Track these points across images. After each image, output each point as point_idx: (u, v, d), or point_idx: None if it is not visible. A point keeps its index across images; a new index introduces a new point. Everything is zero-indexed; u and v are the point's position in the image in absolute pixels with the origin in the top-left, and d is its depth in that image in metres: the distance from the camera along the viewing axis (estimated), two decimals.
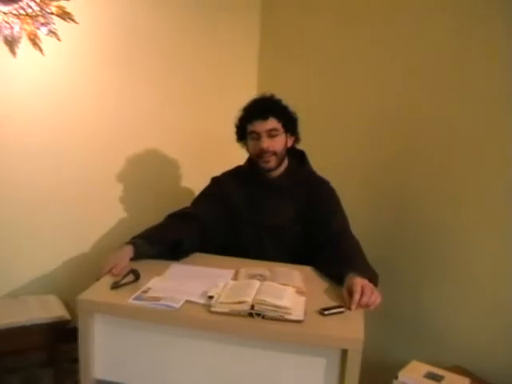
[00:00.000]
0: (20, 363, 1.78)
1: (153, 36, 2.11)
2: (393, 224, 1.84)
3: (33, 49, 1.82)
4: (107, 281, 1.28)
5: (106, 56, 2.00)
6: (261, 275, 1.34)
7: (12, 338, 1.64)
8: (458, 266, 1.59)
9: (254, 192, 1.64)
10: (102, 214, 2.11)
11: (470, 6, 1.51)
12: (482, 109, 1.49)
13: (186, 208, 1.65)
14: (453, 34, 1.58)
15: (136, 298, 1.18)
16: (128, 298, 1.18)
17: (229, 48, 2.33)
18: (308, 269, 1.47)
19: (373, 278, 1.30)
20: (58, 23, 1.84)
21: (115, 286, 1.24)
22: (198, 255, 1.55)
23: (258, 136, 1.57)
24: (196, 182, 2.03)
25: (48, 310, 1.75)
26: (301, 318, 1.11)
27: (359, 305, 1.19)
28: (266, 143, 1.55)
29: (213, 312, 1.13)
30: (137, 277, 1.29)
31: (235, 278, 1.35)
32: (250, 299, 1.13)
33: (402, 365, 1.39)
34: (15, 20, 1.75)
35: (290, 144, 1.65)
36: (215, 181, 1.72)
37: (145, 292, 1.22)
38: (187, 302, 1.18)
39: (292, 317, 1.11)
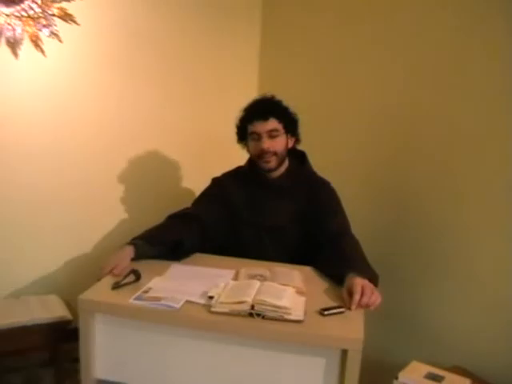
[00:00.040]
0: (21, 363, 1.79)
1: (154, 37, 2.11)
2: (394, 222, 1.84)
3: (35, 50, 1.83)
4: (108, 281, 1.29)
5: (108, 57, 2.01)
6: (261, 275, 1.34)
7: (14, 338, 1.65)
8: (458, 265, 1.59)
9: (255, 192, 1.65)
10: (103, 214, 2.12)
11: (471, 4, 1.52)
12: (483, 107, 1.49)
13: (187, 208, 1.66)
14: (453, 32, 1.58)
15: (137, 298, 1.19)
16: (129, 298, 1.18)
17: (229, 48, 2.34)
18: (308, 269, 1.47)
19: (373, 279, 1.30)
20: (60, 25, 1.85)
21: (116, 286, 1.25)
22: (198, 255, 1.55)
23: (258, 136, 1.58)
24: (196, 182, 2.03)
25: (49, 310, 1.76)
26: (301, 318, 1.12)
27: (359, 305, 1.19)
28: (267, 144, 1.56)
29: (213, 312, 1.13)
30: (137, 277, 1.30)
31: (235, 278, 1.36)
32: (250, 299, 1.13)
33: (402, 365, 1.39)
34: (17, 22, 1.76)
35: (290, 145, 1.65)
36: (216, 181, 1.72)
37: (145, 292, 1.22)
38: (187, 302, 1.18)
39: (292, 317, 1.11)
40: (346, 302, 1.21)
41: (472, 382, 1.35)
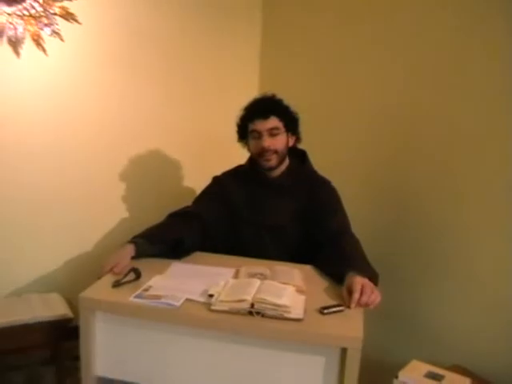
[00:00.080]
0: (23, 361, 1.80)
1: (155, 36, 2.12)
2: (394, 222, 1.84)
3: (36, 49, 1.83)
4: (109, 279, 1.29)
5: (109, 56, 2.02)
6: (261, 274, 1.34)
7: (15, 336, 1.66)
8: (458, 265, 1.59)
9: (255, 191, 1.65)
10: (104, 213, 2.13)
11: (471, 4, 1.52)
12: (483, 107, 1.49)
13: (187, 207, 1.66)
14: (453, 32, 1.58)
15: (137, 297, 1.19)
16: (129, 297, 1.19)
17: (230, 48, 2.34)
18: (308, 268, 1.47)
19: (373, 277, 1.30)
20: (62, 24, 1.86)
21: (116, 284, 1.25)
22: (198, 254, 1.55)
23: (259, 135, 1.58)
24: (197, 181, 2.04)
25: (51, 308, 1.77)
26: (300, 316, 1.12)
27: (359, 304, 1.19)
28: (267, 142, 1.56)
29: (213, 310, 1.14)
30: (138, 275, 1.30)
31: (236, 276, 1.36)
32: (249, 298, 1.14)
33: (402, 364, 1.39)
34: (19, 21, 1.77)
35: (291, 143, 1.65)
36: (216, 180, 1.73)
37: (146, 290, 1.22)
38: (188, 300, 1.18)
39: (291, 315, 1.11)
40: (345, 300, 1.21)
41: (472, 381, 1.35)
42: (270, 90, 1.67)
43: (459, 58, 1.56)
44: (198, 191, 1.78)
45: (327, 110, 2.12)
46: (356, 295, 1.19)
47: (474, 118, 1.52)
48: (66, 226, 2.04)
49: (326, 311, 1.16)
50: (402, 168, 1.81)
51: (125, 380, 1.23)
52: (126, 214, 2.18)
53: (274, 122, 1.57)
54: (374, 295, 1.21)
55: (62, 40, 1.87)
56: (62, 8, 1.85)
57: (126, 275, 1.29)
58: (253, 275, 1.32)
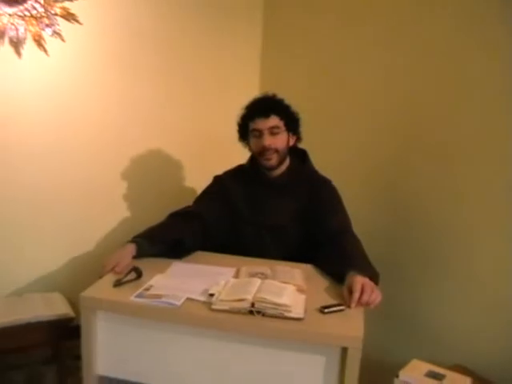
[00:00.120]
0: (24, 360, 1.80)
1: (156, 37, 2.12)
2: (394, 222, 1.85)
3: (37, 50, 1.84)
4: (110, 279, 1.30)
5: (110, 57, 2.02)
6: (262, 273, 1.34)
7: (17, 335, 1.66)
8: (459, 264, 1.59)
9: (256, 191, 1.65)
10: (105, 213, 2.13)
11: (471, 5, 1.52)
12: (484, 107, 1.49)
13: (188, 207, 1.67)
14: (454, 33, 1.58)
15: (138, 296, 1.20)
16: (130, 296, 1.19)
17: (231, 49, 2.34)
18: (309, 267, 1.48)
19: (374, 277, 1.30)
20: (63, 24, 1.87)
21: (117, 283, 1.26)
22: (199, 253, 1.56)
23: (259, 133, 1.58)
24: (198, 181, 2.04)
25: (52, 307, 1.77)
26: (301, 315, 1.12)
27: (359, 303, 1.19)
28: (268, 140, 1.56)
29: (213, 309, 1.14)
30: (139, 275, 1.30)
31: (236, 276, 1.36)
32: (250, 297, 1.14)
33: (402, 363, 1.39)
34: (20, 21, 1.78)
35: (291, 143, 1.66)
36: (217, 180, 1.73)
37: (147, 290, 1.23)
38: (188, 299, 1.19)
39: (292, 314, 1.11)
40: (346, 300, 1.21)
41: (473, 380, 1.35)
42: (270, 91, 1.68)
43: (459, 59, 1.56)
44: (199, 191, 1.78)
45: (328, 111, 2.12)
46: (356, 294, 1.19)
47: (474, 118, 1.52)
48: (67, 226, 2.04)
49: (326, 310, 1.16)
50: (402, 168, 1.81)
51: (126, 379, 1.24)
52: (126, 214, 2.19)
53: (274, 120, 1.57)
54: (374, 294, 1.21)
55: (63, 40, 1.88)
56: (63, 8, 1.86)
57: (127, 274, 1.30)
58: (253, 275, 1.33)
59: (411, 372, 1.35)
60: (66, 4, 1.86)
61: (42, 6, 1.81)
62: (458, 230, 1.59)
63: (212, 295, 1.19)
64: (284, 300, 1.13)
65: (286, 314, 1.11)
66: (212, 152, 2.32)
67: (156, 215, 1.62)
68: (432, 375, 1.34)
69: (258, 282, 1.24)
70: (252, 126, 1.60)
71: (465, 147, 1.56)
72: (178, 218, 1.59)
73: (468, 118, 1.54)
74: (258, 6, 2.39)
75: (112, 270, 1.33)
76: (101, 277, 1.32)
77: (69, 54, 1.92)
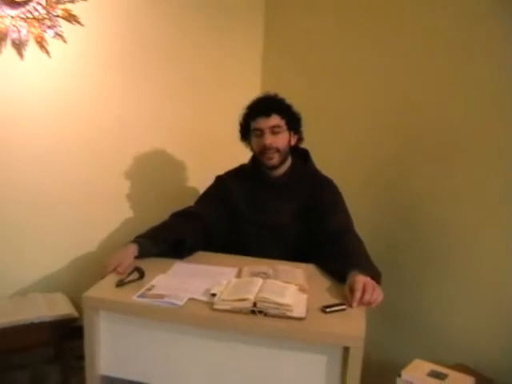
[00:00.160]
0: (28, 360, 1.81)
1: (157, 37, 2.13)
2: (394, 222, 1.85)
3: (40, 51, 1.85)
4: (112, 279, 1.30)
5: (112, 58, 2.03)
6: (264, 273, 1.34)
7: (21, 335, 1.67)
8: (459, 264, 1.59)
9: (257, 191, 1.65)
10: (107, 213, 2.14)
11: (471, 6, 1.52)
12: (483, 107, 1.49)
13: (190, 207, 1.67)
14: (454, 33, 1.58)
15: (140, 296, 1.20)
16: (132, 296, 1.20)
17: (233, 49, 2.35)
18: (311, 267, 1.48)
19: (375, 276, 1.30)
20: (64, 26, 1.87)
21: (120, 283, 1.26)
22: (201, 253, 1.56)
23: (261, 133, 1.59)
24: (199, 181, 2.05)
25: (56, 307, 1.78)
26: (303, 315, 1.12)
27: (361, 302, 1.19)
28: (269, 139, 1.57)
29: (215, 309, 1.14)
30: (141, 275, 1.31)
31: (238, 276, 1.36)
32: (252, 297, 1.14)
33: (405, 363, 1.39)
34: (22, 23, 1.79)
35: (293, 142, 1.66)
36: (219, 180, 1.73)
37: (149, 290, 1.23)
38: (190, 299, 1.19)
39: (294, 314, 1.12)
40: (347, 299, 1.21)
41: (475, 379, 1.35)
42: (271, 91, 1.68)
43: (459, 59, 1.56)
44: (201, 191, 1.79)
45: (328, 111, 2.12)
46: (358, 294, 1.19)
47: (474, 118, 1.52)
48: (69, 227, 2.05)
49: (328, 310, 1.16)
50: (402, 168, 1.81)
51: (128, 379, 1.24)
52: (129, 214, 2.20)
53: (275, 119, 1.58)
54: (376, 294, 1.21)
55: (64, 42, 1.89)
56: (65, 10, 1.86)
57: (129, 275, 1.30)
58: (255, 274, 1.33)
59: (413, 371, 1.35)
60: (68, 6, 1.86)
61: (44, 7, 1.81)
62: (458, 229, 1.59)
63: (214, 295, 1.19)
64: (286, 300, 1.14)
65: (288, 314, 1.11)
66: (214, 152, 2.33)
67: (158, 215, 1.63)
68: (434, 375, 1.34)
69: (259, 281, 1.24)
70: (253, 125, 1.61)
71: (465, 147, 1.56)
72: (180, 218, 1.60)
73: (468, 118, 1.54)
74: (259, 7, 2.39)
75: (114, 270, 1.34)
76: (103, 277, 1.33)
77: (71, 56, 1.92)
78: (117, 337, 1.24)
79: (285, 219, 1.60)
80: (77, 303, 1.81)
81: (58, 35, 1.87)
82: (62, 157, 1.99)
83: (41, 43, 1.84)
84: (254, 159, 1.70)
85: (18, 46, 1.80)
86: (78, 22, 1.90)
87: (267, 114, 1.57)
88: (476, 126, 1.52)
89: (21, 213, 1.93)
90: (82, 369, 1.27)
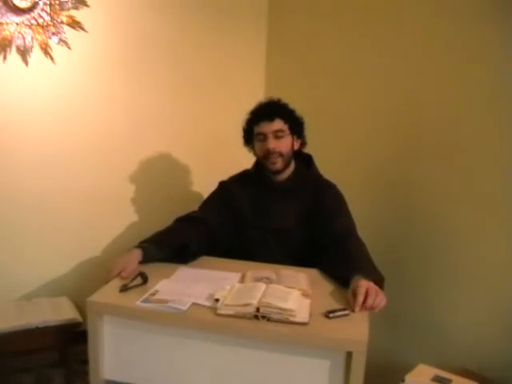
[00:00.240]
0: (32, 363, 1.82)
1: (161, 42, 2.14)
2: (394, 222, 1.85)
3: (44, 58, 1.87)
4: (116, 284, 1.31)
5: (115, 63, 2.05)
6: (267, 278, 1.35)
7: (26, 339, 1.68)
8: (466, 267, 1.58)
9: (261, 195, 1.66)
10: (111, 218, 2.15)
11: (471, 7, 1.52)
12: (484, 107, 1.50)
13: (194, 212, 1.68)
14: (453, 33, 1.59)
15: (144, 301, 1.20)
16: (136, 301, 1.20)
17: (237, 53, 2.36)
18: (314, 271, 1.48)
19: (378, 281, 1.30)
20: (69, 32, 1.89)
21: (124, 288, 1.27)
22: (205, 258, 1.57)
23: (264, 137, 1.59)
24: (204, 186, 2.05)
25: (60, 312, 1.79)
26: (306, 320, 1.12)
27: (364, 307, 1.19)
28: (273, 144, 1.57)
29: (219, 314, 1.14)
30: (145, 280, 1.31)
31: (242, 280, 1.36)
32: (255, 302, 1.14)
33: (408, 368, 1.39)
34: (27, 30, 1.81)
35: (296, 147, 1.66)
36: (222, 185, 1.74)
37: (152, 295, 1.24)
38: (194, 304, 1.19)
39: (297, 319, 1.12)
40: (350, 304, 1.21)
41: None
42: (275, 94, 1.69)
43: (459, 59, 1.57)
44: (205, 195, 1.79)
45: (330, 111, 2.13)
46: (360, 298, 1.19)
47: (474, 118, 1.53)
48: (74, 231, 2.06)
49: (331, 315, 1.16)
50: (402, 168, 1.81)
51: (132, 383, 1.25)
52: (133, 219, 2.21)
53: (279, 124, 1.58)
54: (378, 298, 1.21)
55: (69, 48, 1.91)
56: (69, 17, 1.88)
57: (133, 279, 1.31)
58: (259, 279, 1.33)
59: (417, 376, 1.35)
60: (72, 12, 1.88)
61: (49, 14, 1.83)
62: (458, 229, 1.59)
63: (217, 300, 1.19)
64: (289, 305, 1.14)
65: (291, 319, 1.11)
66: (218, 156, 2.33)
67: (162, 220, 1.63)
68: (438, 380, 1.34)
69: (263, 286, 1.24)
70: (257, 129, 1.61)
71: (465, 147, 1.56)
72: (184, 223, 1.60)
73: (468, 117, 1.55)
74: (262, 11, 2.40)
75: (118, 274, 1.35)
76: (107, 282, 1.34)
77: (75, 62, 1.94)
78: (121, 341, 1.24)
79: (288, 224, 1.61)
80: (81, 308, 1.82)
81: (63, 41, 1.89)
82: (67, 162, 2.00)
83: (45, 49, 1.86)
84: (257, 164, 1.70)
85: (23, 52, 1.82)
86: (82, 29, 1.92)
87: (270, 119, 1.58)
88: (476, 126, 1.52)
89: (26, 218, 1.95)
90: (86, 373, 1.28)
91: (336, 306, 1.21)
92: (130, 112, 2.12)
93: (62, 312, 1.79)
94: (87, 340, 1.23)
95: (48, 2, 1.82)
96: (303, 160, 1.71)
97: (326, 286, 1.37)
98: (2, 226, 1.91)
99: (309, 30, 2.23)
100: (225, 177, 1.76)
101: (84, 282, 1.95)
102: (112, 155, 2.10)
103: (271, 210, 1.63)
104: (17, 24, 1.78)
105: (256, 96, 2.09)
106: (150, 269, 1.37)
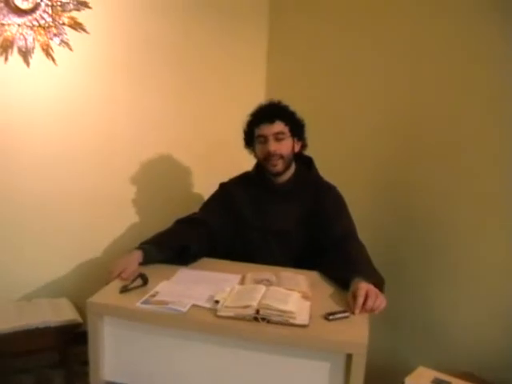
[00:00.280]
0: (32, 364, 1.82)
1: (162, 43, 2.14)
2: (394, 222, 1.85)
3: (46, 59, 1.87)
4: (116, 285, 1.31)
5: (117, 65, 2.05)
6: (267, 280, 1.35)
7: (26, 340, 1.68)
8: (463, 267, 1.59)
9: (261, 197, 1.66)
10: (112, 220, 2.15)
11: (471, 7, 1.52)
12: (484, 107, 1.50)
13: (194, 213, 1.68)
14: (453, 33, 1.59)
15: (144, 302, 1.21)
16: (136, 302, 1.20)
17: (238, 54, 2.36)
18: (314, 274, 1.48)
19: (378, 283, 1.30)
20: (70, 34, 1.90)
21: (124, 289, 1.27)
22: (205, 260, 1.57)
23: (265, 139, 1.59)
24: (205, 187, 2.05)
25: (60, 313, 1.79)
26: (305, 322, 1.12)
27: (364, 309, 1.19)
28: (273, 146, 1.58)
29: (219, 316, 1.15)
30: (145, 281, 1.31)
31: (242, 282, 1.36)
32: (255, 303, 1.14)
33: (408, 370, 1.38)
34: (29, 31, 1.81)
35: (297, 149, 1.66)
36: (223, 187, 1.74)
37: (153, 296, 1.24)
38: (194, 306, 1.20)
39: (297, 321, 1.12)
40: (350, 306, 1.22)
41: None
42: (277, 95, 1.70)
43: (459, 59, 1.57)
44: (206, 197, 1.79)
45: (331, 111, 2.13)
46: (360, 300, 1.19)
47: (474, 118, 1.53)
48: (75, 233, 2.06)
49: (331, 317, 1.16)
50: (403, 168, 1.81)
51: None
52: (134, 221, 2.21)
53: (279, 126, 1.59)
54: (378, 301, 1.21)
55: (70, 49, 1.91)
56: (71, 18, 1.89)
57: (133, 281, 1.31)
58: (259, 281, 1.33)
59: (417, 379, 1.35)
60: (74, 14, 1.89)
61: (50, 15, 1.84)
62: (458, 229, 1.59)
63: (217, 302, 1.19)
64: (289, 307, 1.14)
65: (291, 321, 1.12)
66: (219, 158, 2.34)
67: (163, 222, 1.64)
68: (438, 382, 1.34)
69: (262, 288, 1.24)
70: (257, 132, 1.62)
71: (465, 147, 1.56)
72: (185, 224, 1.61)
73: (468, 117, 1.55)
74: (263, 12, 2.41)
75: (118, 276, 1.35)
76: (107, 283, 1.34)
77: (76, 63, 1.94)
78: (121, 342, 1.25)
79: (289, 225, 1.61)
80: (81, 308, 1.82)
81: (64, 43, 1.89)
82: (69, 164, 2.01)
83: (47, 51, 1.86)
84: (258, 166, 1.70)
85: (25, 53, 1.82)
86: (84, 30, 1.92)
87: (271, 121, 1.58)
88: (476, 126, 1.52)
89: (27, 219, 1.95)
90: (86, 374, 1.28)
91: (336, 308, 1.22)
92: (131, 114, 2.12)
93: (62, 313, 1.79)
94: (87, 341, 1.24)
95: (50, 4, 1.83)
96: (304, 162, 1.71)
97: (325, 288, 1.37)
98: (3, 226, 1.92)
99: (309, 30, 2.24)
100: (225, 178, 1.77)
101: (84, 283, 1.95)
102: (114, 157, 2.10)
103: (272, 212, 1.64)
104: (18, 25, 1.79)
105: (257, 97, 2.09)
106: (150, 270, 1.38)
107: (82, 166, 2.04)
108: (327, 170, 1.71)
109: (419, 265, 1.74)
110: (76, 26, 1.90)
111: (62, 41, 1.88)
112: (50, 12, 1.83)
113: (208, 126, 2.33)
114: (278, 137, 1.58)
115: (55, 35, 1.86)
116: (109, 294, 1.27)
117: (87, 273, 2.08)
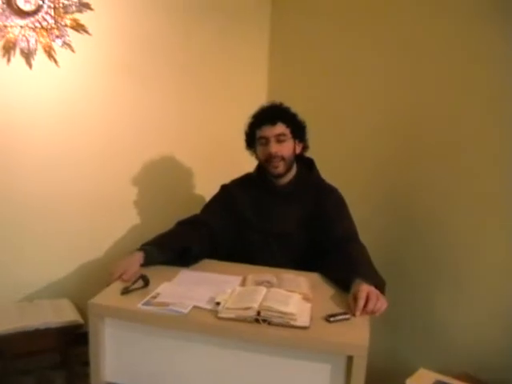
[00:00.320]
0: (33, 365, 1.82)
1: (164, 45, 2.15)
2: (394, 222, 1.85)
3: (48, 61, 1.88)
4: (117, 286, 1.31)
5: (119, 66, 2.06)
6: (268, 282, 1.35)
7: (27, 341, 1.68)
8: (464, 268, 1.58)
9: (263, 199, 1.66)
10: (114, 221, 2.16)
11: (471, 7, 1.53)
12: (484, 107, 1.50)
13: (196, 215, 1.68)
14: (453, 33, 1.59)
15: (145, 304, 1.21)
16: (137, 303, 1.21)
17: (239, 55, 2.37)
18: (315, 275, 1.48)
19: (379, 285, 1.30)
20: (72, 35, 1.90)
21: (125, 291, 1.27)
22: (206, 261, 1.57)
23: (266, 141, 1.60)
24: (206, 188, 2.04)
25: (61, 314, 1.79)
26: (306, 324, 1.12)
27: (364, 311, 1.19)
28: (275, 148, 1.58)
29: (220, 318, 1.15)
30: (146, 282, 1.32)
31: (243, 284, 1.37)
32: (256, 305, 1.14)
33: (409, 372, 1.38)
34: (31, 33, 1.82)
35: (298, 151, 1.67)
36: (224, 188, 1.75)
37: (154, 297, 1.24)
38: (195, 307, 1.20)
39: (298, 323, 1.12)
40: (351, 308, 1.22)
41: None
42: (278, 95, 1.71)
43: (459, 59, 1.57)
44: (207, 198, 1.80)
45: (332, 110, 2.13)
46: (361, 302, 1.19)
47: (474, 118, 1.53)
48: (76, 234, 2.07)
49: (332, 319, 1.16)
50: (403, 168, 1.81)
51: None
52: (135, 222, 2.21)
53: (281, 128, 1.59)
54: (379, 303, 1.21)
55: (72, 51, 1.92)
56: (73, 20, 1.89)
57: (134, 282, 1.31)
58: (260, 283, 1.33)
59: (418, 381, 1.35)
60: (76, 15, 1.89)
61: (53, 17, 1.85)
62: (458, 229, 1.59)
63: (218, 303, 1.20)
64: (290, 308, 1.14)
65: (292, 323, 1.12)
66: (221, 159, 2.34)
67: (164, 223, 1.64)
68: None
69: (263, 290, 1.24)
70: (259, 133, 1.62)
71: (465, 147, 1.56)
72: (186, 226, 1.61)
73: (468, 118, 1.55)
74: (265, 13, 2.42)
75: (120, 277, 1.35)
76: (109, 284, 1.34)
77: (78, 65, 1.95)
78: (122, 344, 1.25)
79: (290, 227, 1.61)
80: (82, 310, 1.83)
81: (66, 44, 1.90)
82: (71, 165, 2.01)
83: (49, 52, 1.87)
84: (259, 168, 1.71)
85: (27, 55, 1.83)
86: (86, 32, 1.93)
87: (272, 123, 1.58)
88: (476, 126, 1.52)
89: (29, 220, 1.96)
90: (87, 375, 1.28)
91: (337, 310, 1.22)
92: (133, 115, 2.13)
93: (64, 314, 1.79)
94: (88, 342, 1.24)
95: (52, 5, 1.83)
96: (305, 164, 1.71)
97: (326, 290, 1.37)
98: (5, 227, 1.92)
99: (310, 31, 2.24)
100: (227, 180, 1.77)
101: (85, 285, 1.95)
102: (115, 158, 2.11)
103: (273, 214, 1.64)
104: (21, 27, 1.79)
105: (258, 97, 2.10)
106: (151, 271, 1.38)
107: (83, 167, 2.04)
108: (327, 170, 1.71)
109: (419, 265, 1.74)
110: (78, 27, 1.91)
111: (65, 42, 1.89)
112: (53, 14, 1.84)
113: (210, 127, 2.34)
114: (279, 138, 1.59)
115: (57, 37, 1.87)
116: (110, 296, 1.27)
117: (88, 274, 2.08)
